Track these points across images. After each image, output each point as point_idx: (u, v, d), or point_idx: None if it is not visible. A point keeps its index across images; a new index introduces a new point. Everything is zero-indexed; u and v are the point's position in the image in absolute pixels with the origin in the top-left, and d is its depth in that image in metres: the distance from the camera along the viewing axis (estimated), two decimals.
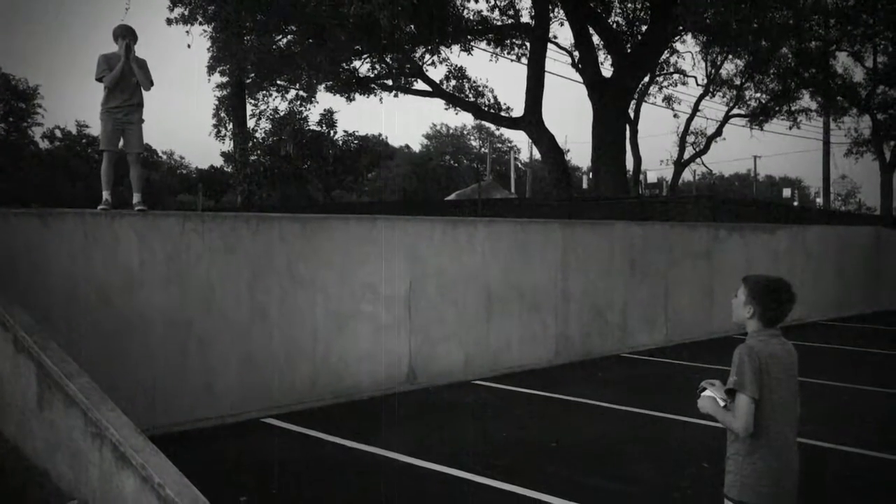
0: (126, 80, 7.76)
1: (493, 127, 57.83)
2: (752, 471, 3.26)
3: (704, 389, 3.43)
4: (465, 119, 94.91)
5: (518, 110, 24.45)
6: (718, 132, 32.41)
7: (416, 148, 71.04)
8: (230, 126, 25.55)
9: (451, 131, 71.05)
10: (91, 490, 4.56)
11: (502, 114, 25.82)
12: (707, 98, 31.61)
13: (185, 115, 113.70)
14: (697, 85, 31.34)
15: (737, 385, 3.27)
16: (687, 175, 57.24)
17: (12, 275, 6.34)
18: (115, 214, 7.24)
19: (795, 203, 61.32)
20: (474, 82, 25.38)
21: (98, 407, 4.54)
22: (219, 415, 7.56)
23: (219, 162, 46.83)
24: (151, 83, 7.98)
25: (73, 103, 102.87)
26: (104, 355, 6.75)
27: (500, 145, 68.06)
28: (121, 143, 7.98)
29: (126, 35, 7.85)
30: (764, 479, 3.26)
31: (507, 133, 67.13)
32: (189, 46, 36.12)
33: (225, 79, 24.50)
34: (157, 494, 4.06)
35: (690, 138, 33.22)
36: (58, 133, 51.43)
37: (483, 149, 67.10)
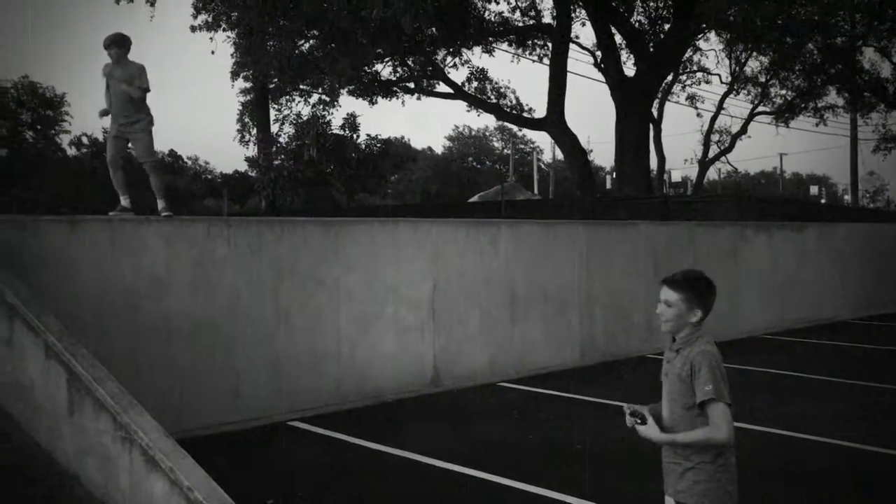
0: (116, 92, 7.63)
1: (515, 128, 57.76)
2: (724, 473, 3.17)
3: (637, 423, 3.28)
4: (487, 120, 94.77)
5: (540, 111, 24.41)
6: (743, 130, 32.12)
7: (439, 150, 71.12)
8: (254, 131, 25.71)
9: (473, 133, 71.02)
10: (121, 494, 4.61)
11: (524, 115, 25.78)
12: (731, 96, 31.36)
13: (209, 121, 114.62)
14: (722, 83, 31.17)
15: (717, 395, 3.10)
16: (712, 174, 56.74)
17: (42, 280, 6.42)
18: (141, 220, 7.32)
19: (823, 200, 60.61)
20: (496, 84, 25.38)
21: (127, 411, 4.59)
22: (245, 418, 7.61)
23: (243, 167, 47.15)
24: (142, 89, 7.65)
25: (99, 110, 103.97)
26: (132, 360, 6.82)
27: (522, 146, 67.93)
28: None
29: (113, 45, 7.64)
30: (732, 479, 3.20)
31: (530, 134, 66.95)
32: (213, 53, 36.41)
33: (248, 84, 24.68)
34: (187, 498, 4.10)
35: (715, 137, 32.98)
36: (84, 140, 52.07)
37: (505, 150, 67.02)
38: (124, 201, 7.82)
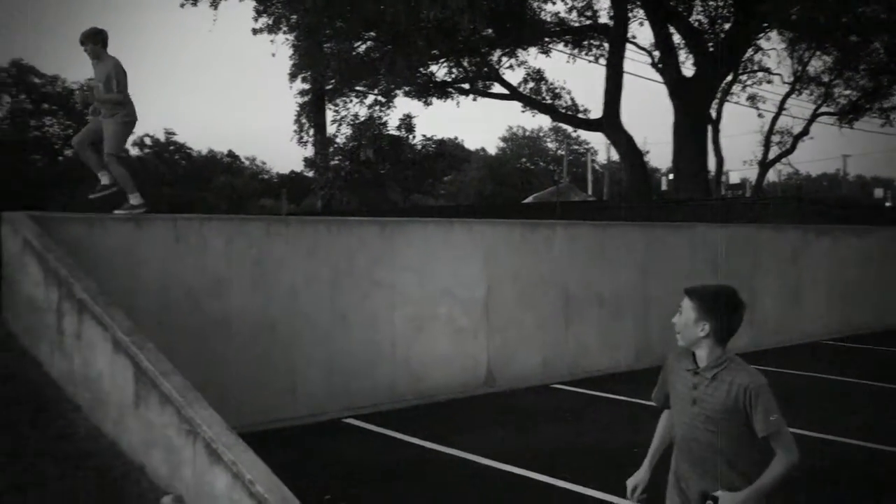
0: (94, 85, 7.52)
1: (570, 129, 57.42)
2: None
3: None
4: (541, 121, 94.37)
5: (596, 112, 24.24)
6: (805, 131, 31.37)
7: (493, 151, 71.07)
8: (311, 132, 26.08)
9: (527, 134, 70.81)
10: (185, 485, 4.74)
11: (580, 116, 25.62)
12: (793, 96, 30.65)
13: (267, 122, 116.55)
14: (783, 83, 30.43)
15: (781, 422, 2.92)
16: (772, 175, 55.57)
17: (109, 277, 6.62)
18: (203, 219, 7.49)
19: (888, 203, 58.78)
20: (551, 84, 25.28)
21: (191, 405, 4.72)
22: (301, 415, 7.73)
23: (299, 167, 47.84)
24: (116, 90, 7.35)
25: (162, 112, 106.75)
26: (193, 355, 6.98)
27: (576, 147, 67.47)
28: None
29: (87, 41, 7.39)
30: None
31: (584, 135, 66.48)
32: (273, 55, 37.03)
33: (306, 85, 25.04)
34: (248, 491, 4.20)
35: (776, 138, 32.23)
36: (147, 141, 53.47)
37: (559, 151, 66.64)
38: (104, 178, 7.58)
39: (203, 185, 50.34)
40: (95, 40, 7.39)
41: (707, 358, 3.02)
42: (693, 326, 2.99)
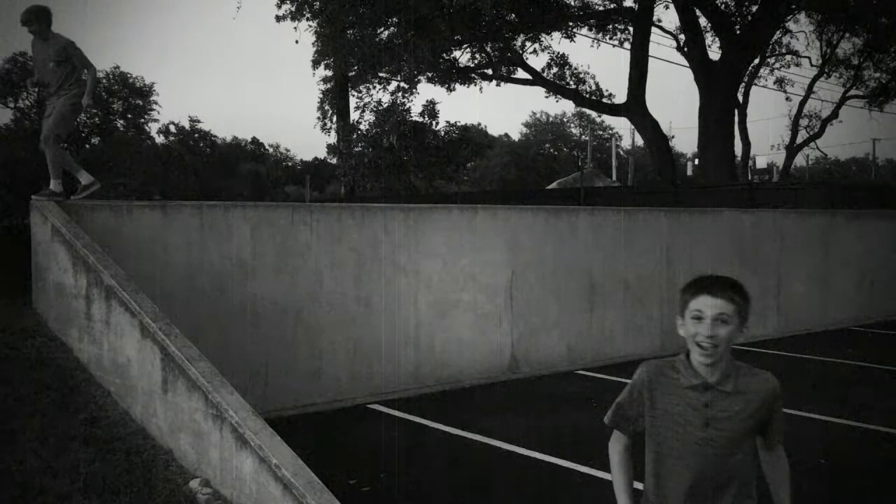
0: (43, 68, 7.05)
1: (594, 114, 56.94)
2: None
3: None
4: (565, 106, 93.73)
5: (620, 96, 24.05)
6: (834, 114, 30.90)
7: (516, 136, 70.76)
8: (334, 119, 26.09)
9: (550, 119, 70.37)
10: (212, 469, 4.79)
11: (604, 101, 25.42)
12: (822, 79, 30.18)
13: (291, 109, 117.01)
14: (812, 66, 29.97)
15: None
16: (799, 160, 54.89)
17: (137, 264, 6.70)
18: (228, 206, 7.54)
19: None
20: (575, 69, 25.09)
21: (218, 390, 4.76)
22: (326, 400, 7.79)
23: (322, 154, 48.02)
24: (87, 103, 7.13)
25: (186, 99, 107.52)
26: (219, 341, 7.05)
27: (600, 132, 66.99)
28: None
29: (32, 20, 6.91)
30: None
31: (609, 120, 66.02)
32: (297, 42, 37.14)
33: (329, 72, 25.04)
34: (274, 475, 4.24)
35: (804, 121, 31.78)
36: (172, 129, 53.84)
37: (584, 136, 66.19)
38: (82, 178, 7.33)
39: (228, 172, 50.68)
40: (40, 19, 6.92)
41: (719, 368, 2.51)
42: (737, 334, 2.47)
